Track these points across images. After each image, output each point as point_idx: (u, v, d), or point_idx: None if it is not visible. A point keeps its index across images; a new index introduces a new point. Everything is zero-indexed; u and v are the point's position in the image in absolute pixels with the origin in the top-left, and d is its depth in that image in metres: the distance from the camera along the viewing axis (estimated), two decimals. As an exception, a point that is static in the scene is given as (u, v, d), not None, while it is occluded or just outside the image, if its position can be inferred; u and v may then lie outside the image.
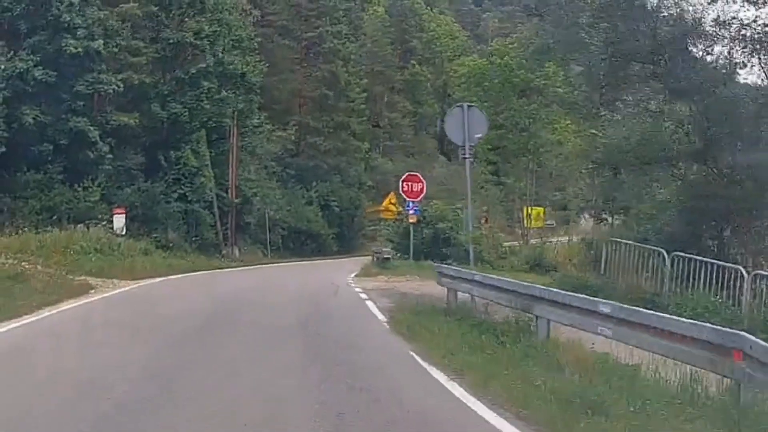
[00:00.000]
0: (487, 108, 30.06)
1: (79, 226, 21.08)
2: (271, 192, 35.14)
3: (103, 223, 21.99)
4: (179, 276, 20.59)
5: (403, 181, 23.63)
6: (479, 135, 13.26)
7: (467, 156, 12.69)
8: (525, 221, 31.53)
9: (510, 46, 34.67)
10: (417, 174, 25.20)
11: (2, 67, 22.18)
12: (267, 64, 31.96)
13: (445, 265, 13.44)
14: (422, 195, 23.40)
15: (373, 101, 44.07)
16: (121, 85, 24.07)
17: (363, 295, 14.17)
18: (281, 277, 21.45)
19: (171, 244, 25.14)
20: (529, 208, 31.63)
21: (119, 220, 23.46)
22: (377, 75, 44.45)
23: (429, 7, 53.18)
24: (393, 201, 27.64)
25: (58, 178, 22.98)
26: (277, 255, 34.33)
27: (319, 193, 38.33)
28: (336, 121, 39.06)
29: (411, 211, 22.63)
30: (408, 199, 22.96)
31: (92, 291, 14.19)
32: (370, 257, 24.05)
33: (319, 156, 38.63)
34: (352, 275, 20.00)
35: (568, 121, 32.08)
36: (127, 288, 15.79)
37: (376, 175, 44.26)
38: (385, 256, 22.43)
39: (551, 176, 37.47)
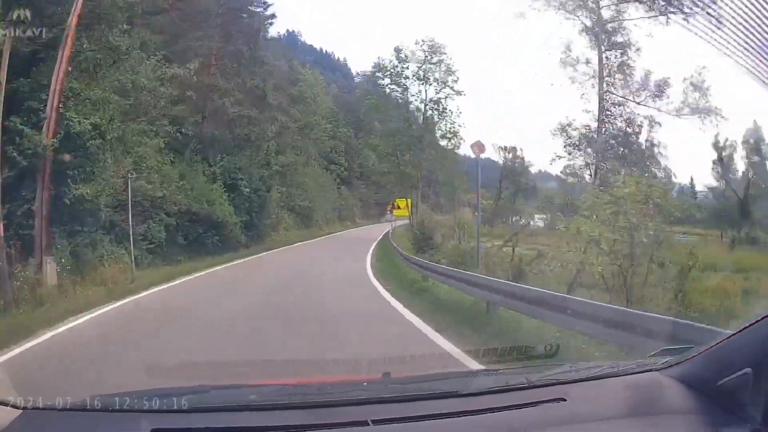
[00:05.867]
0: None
1: None
2: (149, 150, 20.28)
3: None
4: None
5: None
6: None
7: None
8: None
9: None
10: None
11: None
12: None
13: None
14: None
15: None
16: None
17: None
18: None
19: None
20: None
21: None
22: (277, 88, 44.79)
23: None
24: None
25: None
26: (159, 259, 20.76)
27: (224, 169, 28.76)
28: (250, 86, 32.62)
29: None
30: None
31: None
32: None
33: (225, 123, 31.08)
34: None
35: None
36: None
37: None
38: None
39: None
